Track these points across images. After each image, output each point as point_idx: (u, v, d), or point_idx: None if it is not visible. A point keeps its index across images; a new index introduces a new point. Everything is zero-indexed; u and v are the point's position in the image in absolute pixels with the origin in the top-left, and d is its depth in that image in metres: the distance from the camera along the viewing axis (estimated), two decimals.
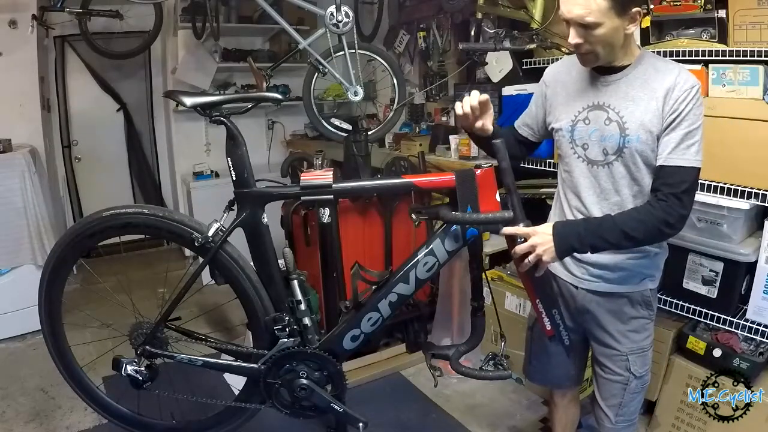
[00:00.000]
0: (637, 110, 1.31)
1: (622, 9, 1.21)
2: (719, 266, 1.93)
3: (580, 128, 1.41)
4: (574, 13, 1.23)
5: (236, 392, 1.89)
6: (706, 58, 1.89)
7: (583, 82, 1.41)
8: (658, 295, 2.03)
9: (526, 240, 1.31)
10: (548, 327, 1.49)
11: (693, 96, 1.26)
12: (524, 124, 1.61)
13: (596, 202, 1.41)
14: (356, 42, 2.59)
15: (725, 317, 1.91)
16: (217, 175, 4.25)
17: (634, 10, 1.24)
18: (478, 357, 1.72)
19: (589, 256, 1.43)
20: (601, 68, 1.36)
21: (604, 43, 1.26)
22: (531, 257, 1.30)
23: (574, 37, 1.27)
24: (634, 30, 1.27)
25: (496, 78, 2.89)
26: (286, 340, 1.61)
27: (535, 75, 2.65)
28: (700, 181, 1.84)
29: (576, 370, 1.67)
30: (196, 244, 1.56)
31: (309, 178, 1.54)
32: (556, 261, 1.34)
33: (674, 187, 1.25)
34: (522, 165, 2.48)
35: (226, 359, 1.82)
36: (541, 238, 1.30)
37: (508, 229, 1.34)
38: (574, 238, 1.29)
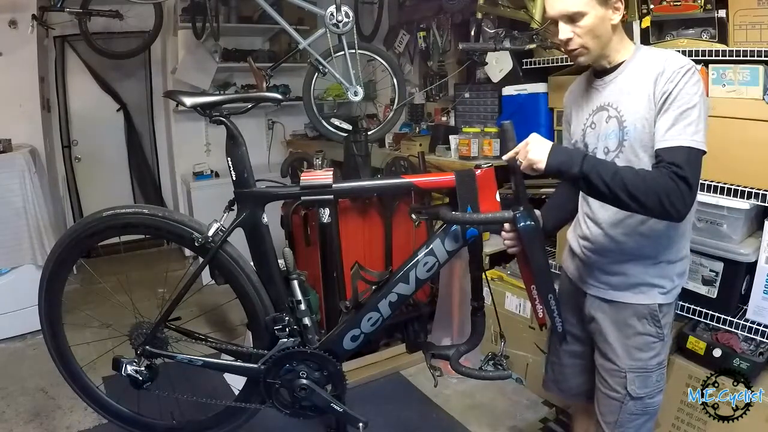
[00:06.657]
0: (632, 101, 1.31)
1: None
2: (719, 266, 1.92)
3: (589, 134, 1.42)
4: (558, 8, 1.28)
5: (236, 392, 1.89)
6: (706, 58, 1.89)
7: (587, 90, 1.43)
8: None
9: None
10: (540, 314, 1.47)
11: (683, 75, 1.23)
12: None
13: (601, 204, 1.38)
14: (356, 42, 2.59)
15: (725, 317, 1.91)
16: (217, 175, 4.25)
17: None
18: (478, 357, 1.72)
19: (593, 257, 1.43)
20: (600, 71, 1.38)
21: (592, 35, 1.29)
22: (520, 150, 1.27)
23: (563, 33, 1.30)
24: (618, 20, 1.30)
25: (496, 78, 2.89)
26: (286, 340, 1.61)
27: (535, 75, 2.68)
28: (700, 181, 1.85)
29: (590, 384, 1.58)
30: (196, 244, 1.56)
31: (309, 178, 1.54)
32: (542, 164, 1.23)
33: (672, 167, 1.17)
34: None
35: (226, 359, 1.82)
36: (536, 137, 1.26)
37: (507, 155, 1.32)
38: (571, 154, 1.23)
